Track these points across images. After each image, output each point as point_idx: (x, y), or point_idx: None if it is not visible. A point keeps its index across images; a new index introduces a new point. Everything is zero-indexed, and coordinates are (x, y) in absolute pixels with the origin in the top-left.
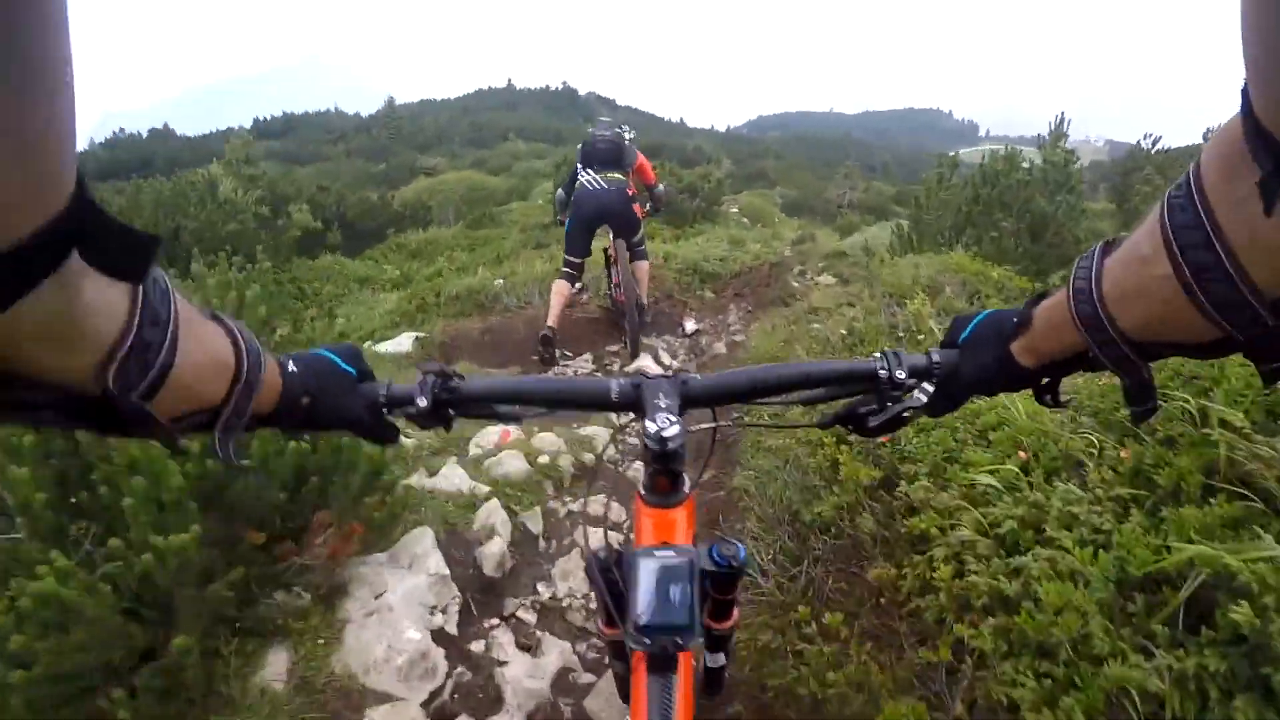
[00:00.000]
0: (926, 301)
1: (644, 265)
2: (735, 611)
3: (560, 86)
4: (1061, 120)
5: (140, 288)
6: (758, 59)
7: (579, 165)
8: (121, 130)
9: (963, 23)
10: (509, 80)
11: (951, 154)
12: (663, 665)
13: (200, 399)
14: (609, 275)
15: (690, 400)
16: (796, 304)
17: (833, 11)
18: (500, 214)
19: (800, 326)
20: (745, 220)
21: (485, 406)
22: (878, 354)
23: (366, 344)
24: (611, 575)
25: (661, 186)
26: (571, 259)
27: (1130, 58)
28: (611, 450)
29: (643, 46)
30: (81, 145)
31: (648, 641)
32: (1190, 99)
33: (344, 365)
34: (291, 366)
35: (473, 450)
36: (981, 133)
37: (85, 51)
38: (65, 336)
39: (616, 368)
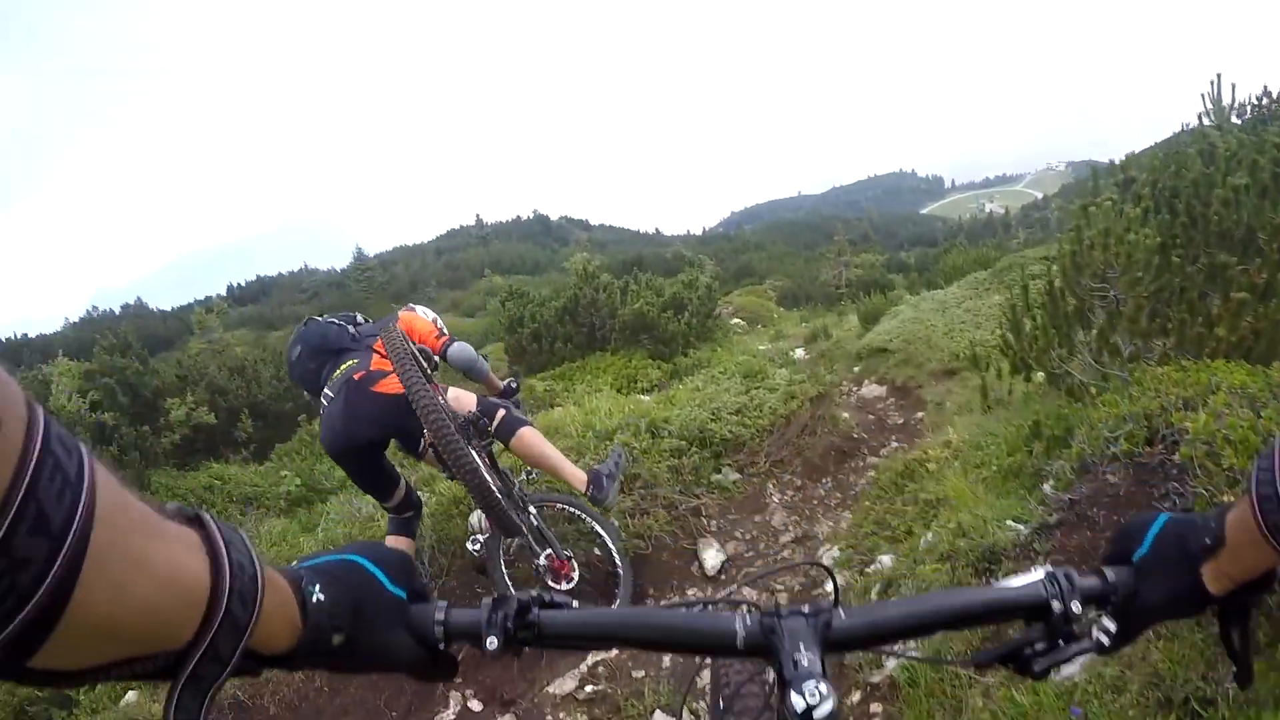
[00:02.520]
0: None
1: (525, 434)
2: None
3: (531, 215)
4: (1218, 84)
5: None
6: (720, 157)
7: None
8: (96, 308)
9: (912, 79)
10: (477, 216)
11: (924, 210)
12: None
13: (146, 640)
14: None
15: (835, 644)
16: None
17: (786, 94)
18: None
19: None
20: (743, 323)
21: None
22: (1042, 572)
23: None
24: None
25: (455, 345)
26: (384, 505)
27: (1080, 78)
28: None
29: (609, 163)
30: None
31: None
32: (1139, 105)
33: (389, 584)
34: (318, 593)
35: None
36: (947, 184)
37: (80, 225)
38: None
39: None
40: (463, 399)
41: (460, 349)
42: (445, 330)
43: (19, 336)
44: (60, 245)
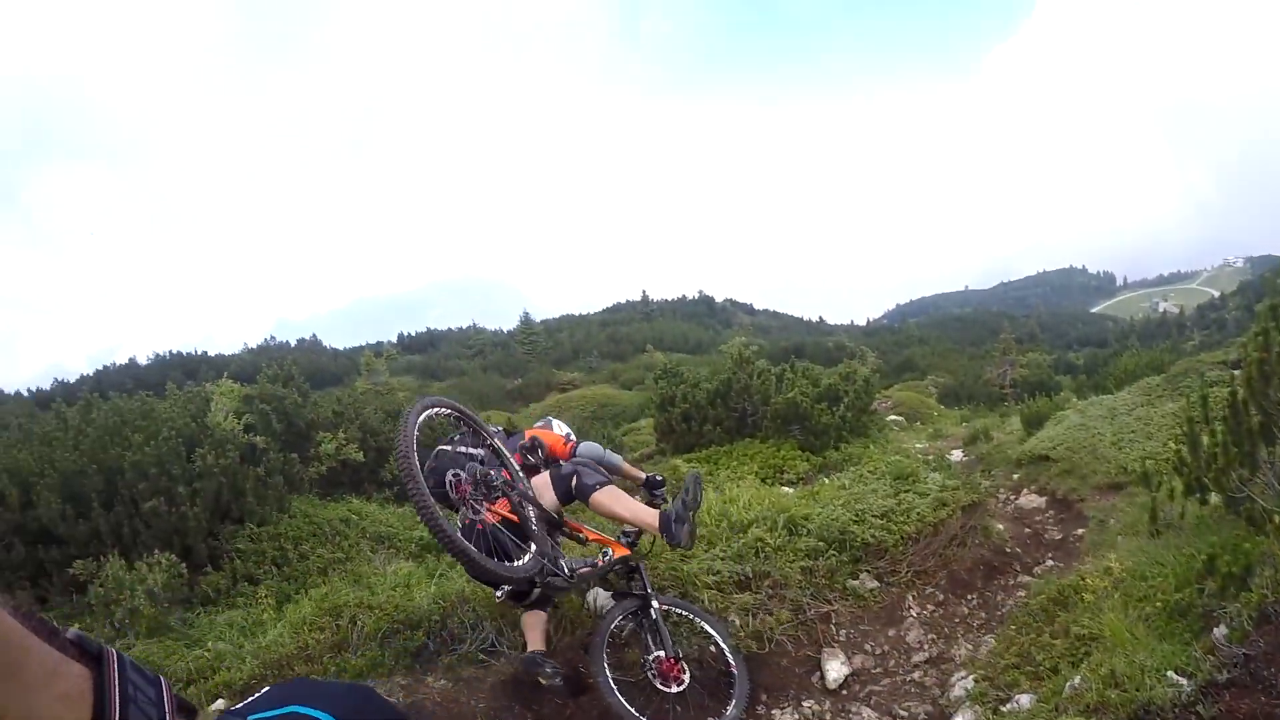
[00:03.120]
0: None
1: (598, 495)
2: None
3: (696, 295)
4: None
5: None
6: (888, 249)
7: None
8: (272, 338)
9: (1085, 174)
10: (643, 292)
11: (1094, 309)
12: None
13: None
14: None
15: None
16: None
17: (955, 186)
18: (618, 437)
19: None
20: (901, 419)
21: None
22: None
23: None
24: None
25: (583, 445)
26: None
27: (1259, 167)
28: None
29: (778, 250)
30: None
31: None
32: None
33: None
34: None
35: None
36: (1119, 282)
37: (272, 257)
38: None
39: None
40: (537, 485)
41: (588, 447)
42: (573, 436)
43: (199, 353)
44: (251, 273)
